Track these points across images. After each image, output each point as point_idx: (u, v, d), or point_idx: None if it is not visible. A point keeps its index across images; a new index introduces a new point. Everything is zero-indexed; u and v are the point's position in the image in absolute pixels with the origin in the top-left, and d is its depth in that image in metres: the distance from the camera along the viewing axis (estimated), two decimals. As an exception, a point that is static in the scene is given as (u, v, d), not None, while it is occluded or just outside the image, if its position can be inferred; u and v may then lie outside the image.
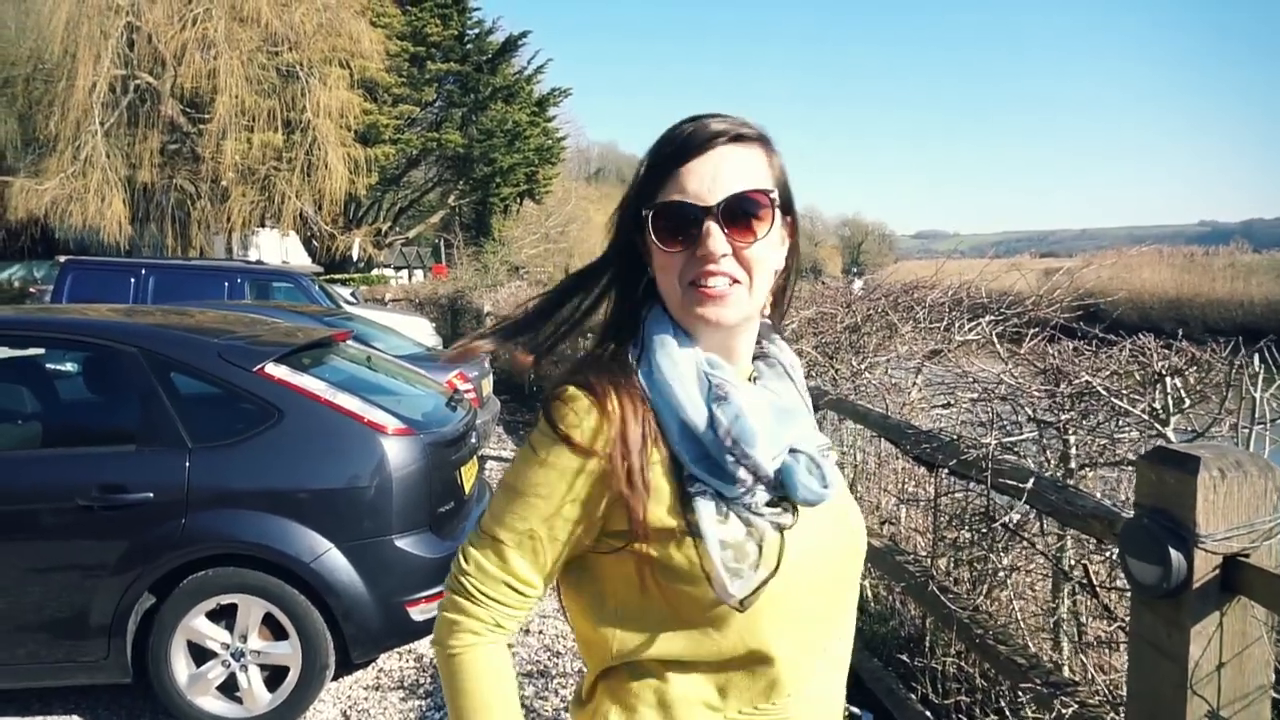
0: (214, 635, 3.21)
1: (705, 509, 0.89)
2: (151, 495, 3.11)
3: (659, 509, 0.91)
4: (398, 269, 36.75)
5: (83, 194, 19.85)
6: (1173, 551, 1.45)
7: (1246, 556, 1.44)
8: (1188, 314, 24.21)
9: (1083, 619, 2.35)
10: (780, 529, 0.91)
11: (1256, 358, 1.88)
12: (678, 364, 0.93)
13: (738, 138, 0.93)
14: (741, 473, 0.89)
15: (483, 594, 0.97)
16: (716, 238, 0.90)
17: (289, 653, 3.22)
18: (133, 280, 9.22)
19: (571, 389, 0.94)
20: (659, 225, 0.92)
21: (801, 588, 0.94)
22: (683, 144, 0.92)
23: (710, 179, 0.91)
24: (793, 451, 0.93)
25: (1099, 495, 2.28)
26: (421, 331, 10.75)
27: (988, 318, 3.67)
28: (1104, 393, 1.98)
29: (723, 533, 0.89)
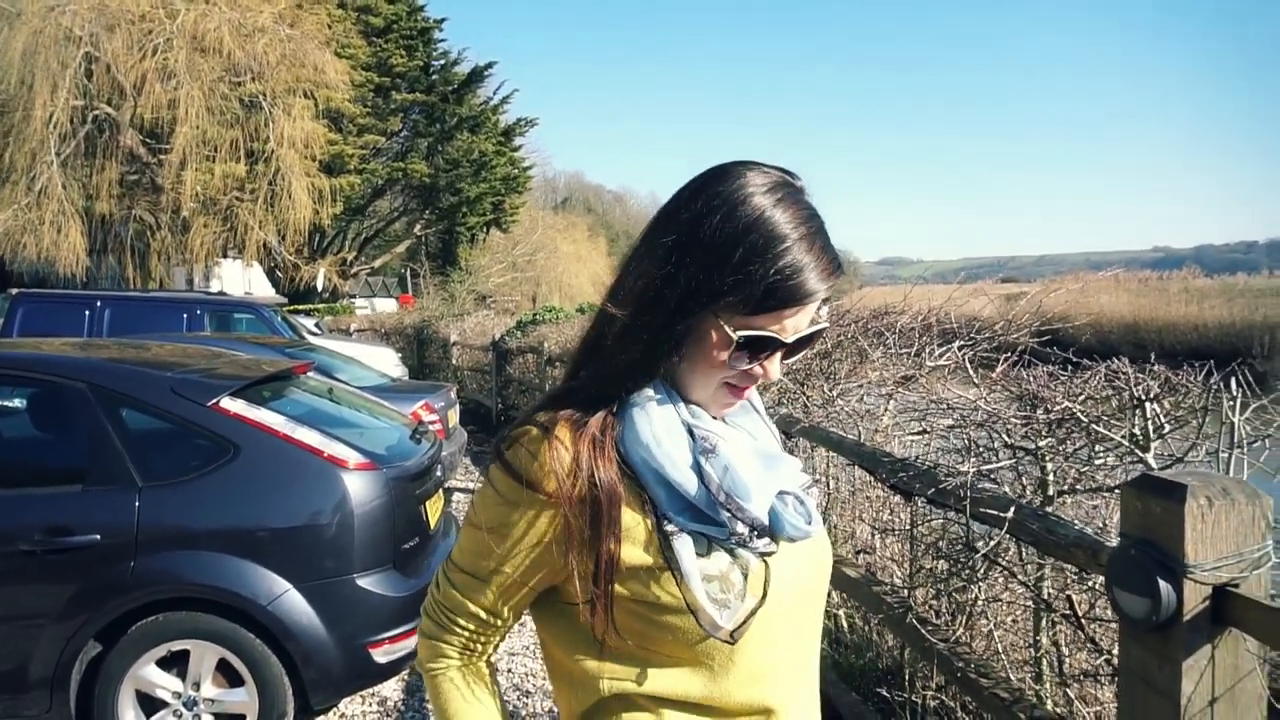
0: (165, 684, 3.05)
1: (684, 547, 0.89)
2: (98, 537, 2.96)
3: (634, 549, 0.90)
4: (364, 298, 36.39)
5: (38, 225, 19.43)
6: (1161, 583, 1.41)
7: (1236, 587, 1.40)
8: (1145, 338, 24.68)
9: (1064, 650, 2.31)
10: (764, 557, 0.92)
11: (1232, 381, 1.86)
12: (655, 422, 0.92)
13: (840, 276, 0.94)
14: (739, 526, 0.90)
15: (453, 622, 1.00)
16: (778, 364, 0.93)
17: (245, 700, 3.07)
18: (87, 313, 9.00)
19: (533, 431, 0.92)
20: (741, 347, 0.90)
21: (787, 614, 0.95)
22: (800, 291, 0.88)
23: (804, 320, 0.92)
24: (780, 494, 0.94)
25: (1077, 523, 2.24)
26: (386, 362, 10.59)
27: (958, 343, 3.66)
28: (1084, 419, 1.96)
29: (705, 566, 0.89)
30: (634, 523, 0.91)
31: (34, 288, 14.79)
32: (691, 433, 0.93)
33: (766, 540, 0.92)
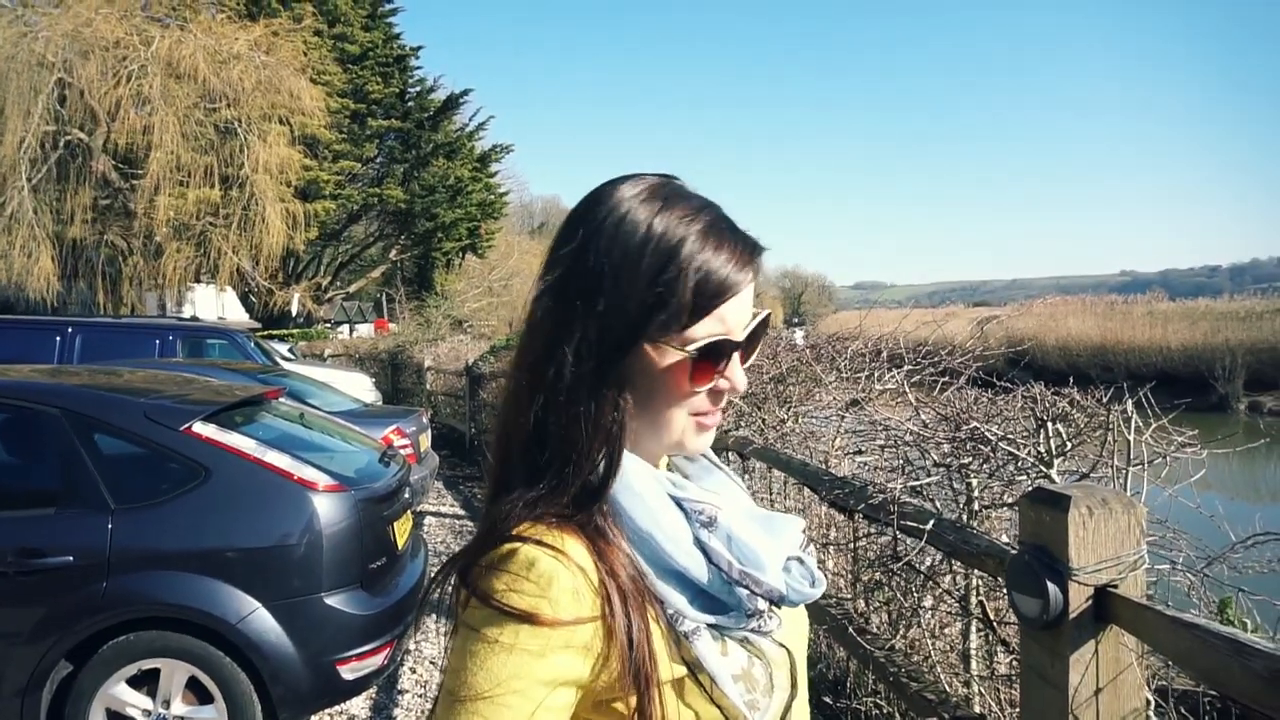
0: (135, 702, 3.12)
1: (706, 647, 0.77)
2: (71, 558, 3.05)
3: (662, 662, 0.77)
4: (337, 324, 36.32)
5: (8, 251, 19.33)
6: (1050, 585, 1.57)
7: (1115, 587, 1.56)
8: (1112, 360, 25.15)
9: (995, 654, 2.46)
10: (781, 644, 0.83)
11: (1129, 403, 2.04)
12: (649, 504, 0.80)
13: (761, 253, 0.83)
14: (760, 603, 0.80)
15: None
16: (740, 370, 0.83)
17: (214, 717, 3.14)
18: (58, 339, 9.00)
19: (523, 550, 0.74)
20: (699, 361, 0.79)
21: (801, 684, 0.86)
22: (730, 280, 0.78)
23: (745, 312, 0.81)
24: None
25: (1004, 536, 2.40)
26: (360, 387, 10.66)
27: (906, 368, 3.84)
28: (992, 438, 2.12)
29: (729, 666, 0.78)
30: (653, 629, 0.77)
31: (2, 313, 14.70)
32: (681, 505, 0.81)
33: (776, 623, 0.82)
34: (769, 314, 0.87)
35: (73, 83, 19.78)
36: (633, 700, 0.74)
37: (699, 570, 0.78)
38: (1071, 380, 2.56)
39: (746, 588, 0.78)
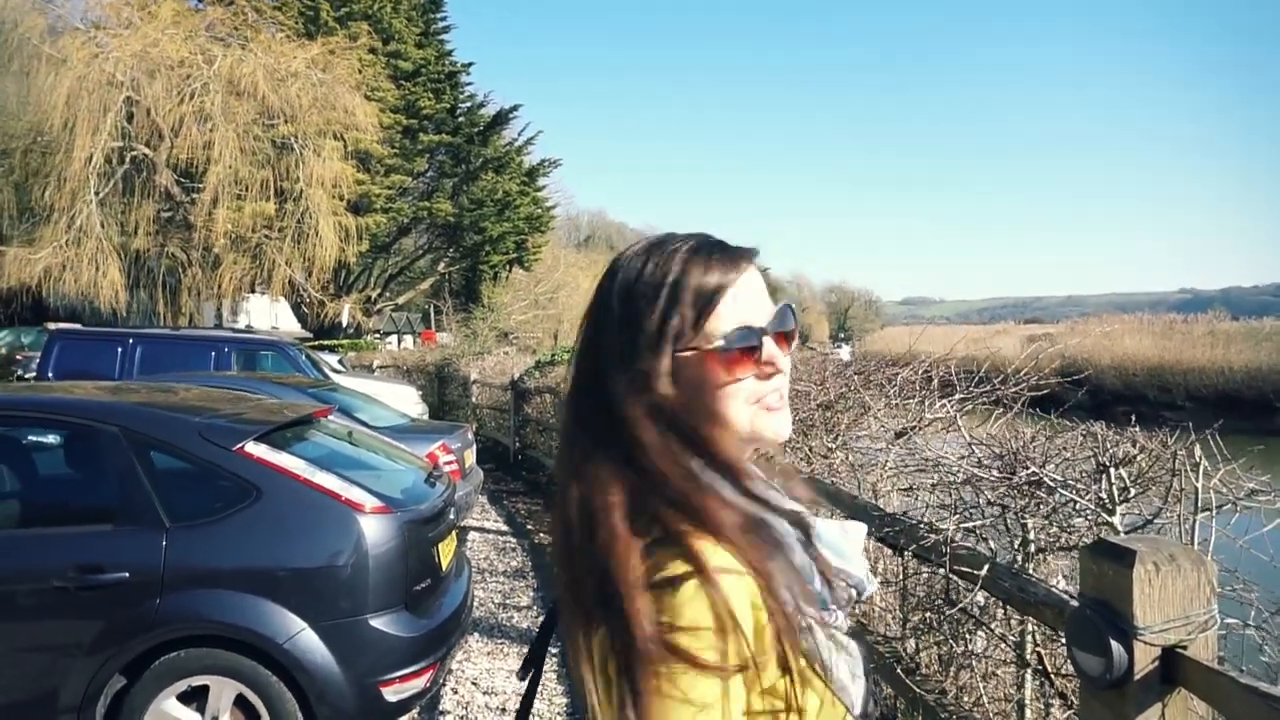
0: (184, 718, 3.17)
1: (820, 641, 0.81)
2: (127, 575, 3.11)
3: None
4: (386, 335, 36.91)
5: (77, 262, 20.01)
6: (1113, 643, 1.50)
7: (1184, 648, 1.49)
8: (1170, 381, 24.47)
9: (1051, 703, 2.37)
10: (850, 638, 0.86)
11: (1197, 448, 1.95)
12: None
13: (753, 255, 0.92)
14: (853, 593, 0.89)
15: None
16: (779, 352, 0.89)
17: (260, 735, 3.18)
18: (120, 350, 9.27)
19: (686, 589, 0.75)
20: (727, 351, 0.86)
21: None
22: (725, 277, 0.87)
23: (757, 305, 0.89)
24: None
25: (1061, 579, 2.33)
26: (407, 400, 10.80)
27: (958, 395, 3.75)
28: (1050, 483, 2.06)
29: (832, 658, 0.82)
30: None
31: (68, 322, 15.22)
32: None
33: (843, 617, 0.87)
34: (789, 304, 0.94)
35: (140, 100, 20.49)
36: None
37: (806, 565, 0.83)
38: (1133, 418, 2.48)
39: (843, 580, 0.86)
